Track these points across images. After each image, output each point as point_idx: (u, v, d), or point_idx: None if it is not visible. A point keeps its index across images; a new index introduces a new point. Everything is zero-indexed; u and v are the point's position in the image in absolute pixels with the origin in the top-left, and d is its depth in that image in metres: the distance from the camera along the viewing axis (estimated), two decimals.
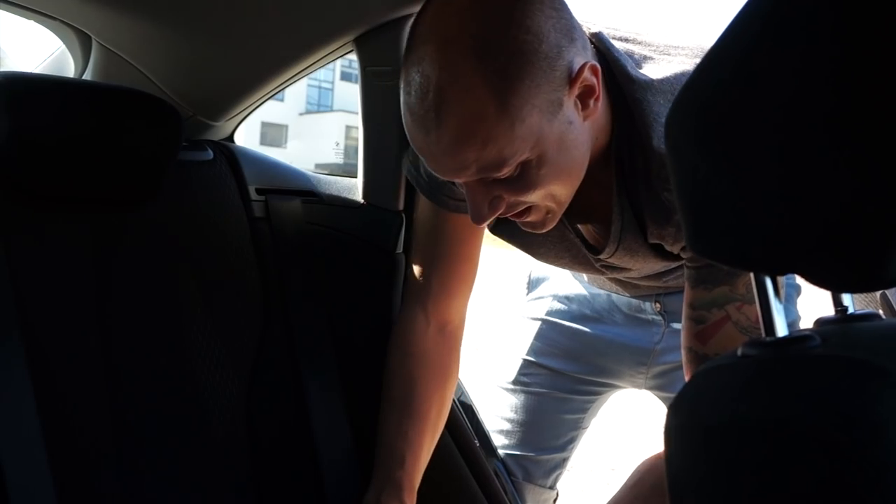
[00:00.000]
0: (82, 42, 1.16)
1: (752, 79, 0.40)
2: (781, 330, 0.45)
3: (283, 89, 1.21)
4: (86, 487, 0.90)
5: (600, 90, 0.75)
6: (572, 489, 2.54)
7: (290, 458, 1.05)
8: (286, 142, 27.06)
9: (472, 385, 1.31)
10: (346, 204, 1.20)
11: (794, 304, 1.17)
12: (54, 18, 1.10)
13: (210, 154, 1.15)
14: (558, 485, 1.34)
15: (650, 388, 1.26)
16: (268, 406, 1.05)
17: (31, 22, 1.13)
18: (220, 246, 1.08)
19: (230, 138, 1.30)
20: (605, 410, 1.37)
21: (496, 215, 0.78)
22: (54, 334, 0.93)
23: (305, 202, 1.19)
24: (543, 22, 0.71)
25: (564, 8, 0.74)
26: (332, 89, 29.38)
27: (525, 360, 1.29)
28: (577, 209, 0.84)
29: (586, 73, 0.73)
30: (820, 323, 0.49)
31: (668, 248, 0.87)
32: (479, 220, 0.79)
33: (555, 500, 1.35)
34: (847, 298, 0.50)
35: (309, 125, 27.33)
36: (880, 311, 1.31)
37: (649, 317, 1.21)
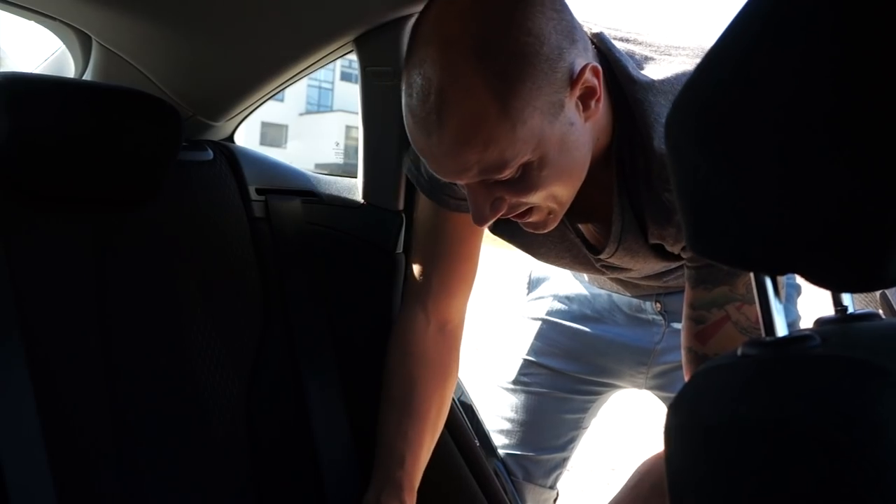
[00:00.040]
0: (82, 42, 1.16)
1: (752, 79, 0.40)
2: (781, 330, 0.45)
3: (283, 89, 1.21)
4: (86, 487, 0.90)
5: (601, 91, 0.75)
6: (572, 489, 2.54)
7: (290, 458, 1.05)
8: (286, 142, 27.07)
9: (472, 385, 1.31)
10: (346, 204, 1.20)
11: (795, 304, 1.17)
12: (54, 19, 1.10)
13: (210, 154, 1.15)
14: (558, 485, 1.34)
15: (650, 388, 1.26)
16: (268, 406, 1.05)
17: (31, 22, 1.13)
18: (220, 246, 1.08)
19: (230, 138, 1.30)
20: (605, 410, 1.37)
21: (498, 216, 0.78)
22: (54, 334, 0.93)
23: (305, 202, 1.19)
24: (545, 24, 0.71)
25: (565, 9, 0.74)
26: (332, 89, 29.38)
27: (525, 360, 1.29)
28: (578, 209, 0.84)
29: (587, 75, 0.73)
30: (820, 323, 0.49)
31: (668, 248, 0.87)
32: (480, 222, 0.79)
33: (555, 500, 1.35)
34: (847, 298, 0.50)
35: (309, 125, 27.33)
36: (880, 311, 1.31)
37: (650, 317, 1.21)
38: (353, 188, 1.21)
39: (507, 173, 0.74)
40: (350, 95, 25.33)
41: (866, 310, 0.49)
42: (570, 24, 0.73)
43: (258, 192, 1.15)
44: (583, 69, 0.72)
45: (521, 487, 1.29)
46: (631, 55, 0.82)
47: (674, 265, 0.98)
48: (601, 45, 0.81)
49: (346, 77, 28.67)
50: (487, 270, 1.70)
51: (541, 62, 0.70)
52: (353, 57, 1.11)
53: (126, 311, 0.99)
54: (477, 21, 0.70)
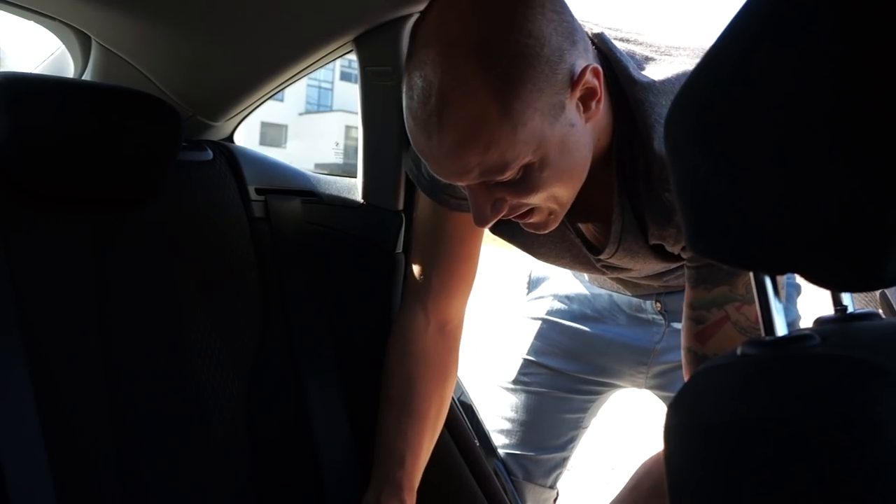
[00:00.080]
0: (82, 42, 1.16)
1: (752, 78, 0.40)
2: (781, 329, 0.45)
3: (282, 89, 1.21)
4: (86, 487, 0.90)
5: (602, 92, 0.75)
6: (572, 489, 2.54)
7: (290, 458, 1.05)
8: (286, 142, 27.06)
9: (472, 385, 1.31)
10: (345, 204, 1.20)
11: (794, 303, 1.17)
12: (54, 19, 1.10)
13: (210, 154, 1.15)
14: (558, 484, 1.34)
15: (650, 388, 1.26)
16: (268, 406, 1.05)
17: (31, 22, 1.13)
18: (220, 246, 1.09)
19: (230, 138, 1.30)
20: (605, 410, 1.37)
21: (499, 217, 0.78)
22: (54, 334, 0.93)
23: (305, 202, 1.19)
24: (545, 25, 0.71)
25: (566, 10, 0.74)
26: (331, 89, 29.38)
27: (525, 360, 1.29)
28: (579, 209, 0.84)
29: (588, 76, 0.73)
30: (819, 322, 0.49)
31: (668, 248, 0.87)
32: (482, 223, 0.79)
33: (555, 500, 1.35)
34: (846, 298, 0.50)
35: (308, 125, 27.33)
36: (880, 311, 1.32)
37: (650, 316, 1.21)
38: (353, 188, 1.21)
39: (508, 175, 0.74)
40: (350, 95, 25.34)
41: (866, 309, 0.50)
42: (570, 26, 0.73)
43: (258, 192, 1.15)
44: (583, 70, 0.72)
45: (521, 487, 1.29)
46: (631, 55, 0.82)
47: (674, 265, 0.98)
48: (602, 45, 0.81)
49: (345, 77, 28.67)
50: (487, 270, 1.70)
51: (541, 64, 0.70)
52: (353, 57, 1.11)
53: (126, 311, 0.99)
54: (478, 23, 0.70)
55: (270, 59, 1.11)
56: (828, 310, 0.50)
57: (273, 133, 26.01)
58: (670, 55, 0.83)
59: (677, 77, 0.80)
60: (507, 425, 1.30)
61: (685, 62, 0.82)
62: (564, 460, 1.32)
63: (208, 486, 0.99)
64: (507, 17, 0.70)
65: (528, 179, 0.75)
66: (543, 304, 1.31)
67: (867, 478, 0.35)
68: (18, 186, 0.95)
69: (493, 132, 0.70)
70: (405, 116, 0.75)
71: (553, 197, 0.78)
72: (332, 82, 29.39)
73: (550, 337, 1.28)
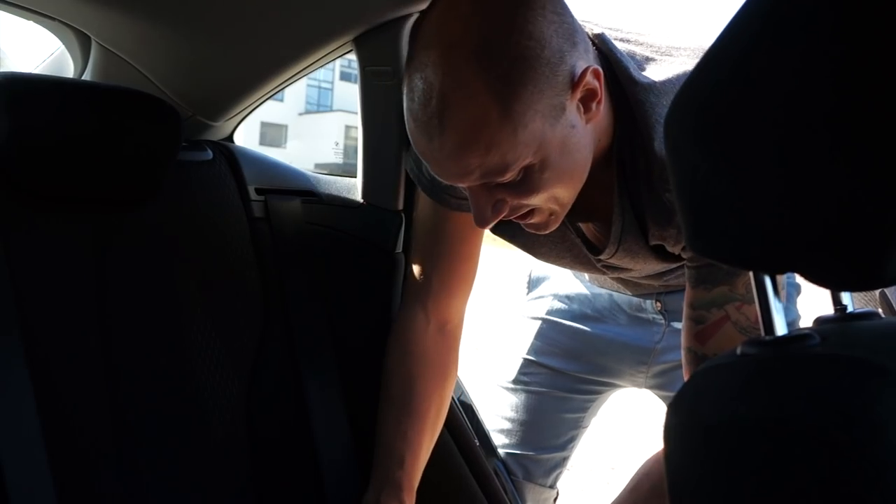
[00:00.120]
0: (82, 42, 1.16)
1: (752, 78, 0.40)
2: (781, 329, 0.45)
3: (282, 89, 1.21)
4: (86, 487, 0.90)
5: (602, 93, 0.75)
6: (572, 488, 2.54)
7: (290, 458, 1.05)
8: (286, 142, 27.06)
9: (472, 385, 1.31)
10: (345, 204, 1.20)
11: (794, 303, 1.17)
12: (54, 19, 1.10)
13: (209, 154, 1.15)
14: (558, 484, 1.34)
15: (650, 388, 1.26)
16: (268, 406, 1.05)
17: (31, 22, 1.13)
18: (220, 246, 1.08)
19: (230, 138, 1.30)
20: (605, 410, 1.37)
21: (500, 218, 0.79)
22: (54, 334, 0.93)
23: (305, 202, 1.19)
24: (545, 27, 0.71)
25: (566, 12, 0.74)
26: (331, 89, 29.38)
27: (525, 360, 1.29)
28: (579, 209, 0.84)
29: (588, 77, 0.73)
30: (819, 322, 0.49)
31: (669, 248, 0.87)
32: (482, 224, 0.79)
33: (555, 500, 1.35)
34: (846, 297, 0.50)
35: (308, 125, 27.33)
36: (879, 310, 1.32)
37: (650, 316, 1.21)
38: (353, 188, 1.21)
39: (509, 176, 0.74)
40: (349, 95, 25.34)
41: (866, 309, 0.50)
42: (570, 27, 0.73)
43: (258, 191, 1.15)
44: (584, 72, 0.72)
45: (521, 487, 1.29)
46: (632, 56, 0.82)
47: (674, 265, 0.98)
48: (602, 46, 0.81)
49: (345, 77, 28.67)
50: (487, 270, 1.70)
51: (542, 66, 0.70)
52: (353, 57, 1.11)
53: (126, 311, 0.99)
54: (478, 25, 0.70)
55: (270, 58, 1.11)
56: (828, 309, 0.50)
57: (273, 133, 26.01)
58: (671, 55, 0.83)
59: (678, 77, 0.80)
60: (507, 425, 1.30)
61: (685, 62, 0.82)
62: (564, 460, 1.32)
63: (208, 486, 0.99)
64: (508, 19, 0.70)
65: (528, 181, 0.75)
66: (543, 304, 1.31)
67: (867, 478, 0.35)
68: (18, 186, 0.95)
69: (494, 134, 0.70)
70: (406, 118, 0.75)
71: (554, 198, 0.78)
72: (332, 82, 29.39)
73: (550, 336, 1.28)
